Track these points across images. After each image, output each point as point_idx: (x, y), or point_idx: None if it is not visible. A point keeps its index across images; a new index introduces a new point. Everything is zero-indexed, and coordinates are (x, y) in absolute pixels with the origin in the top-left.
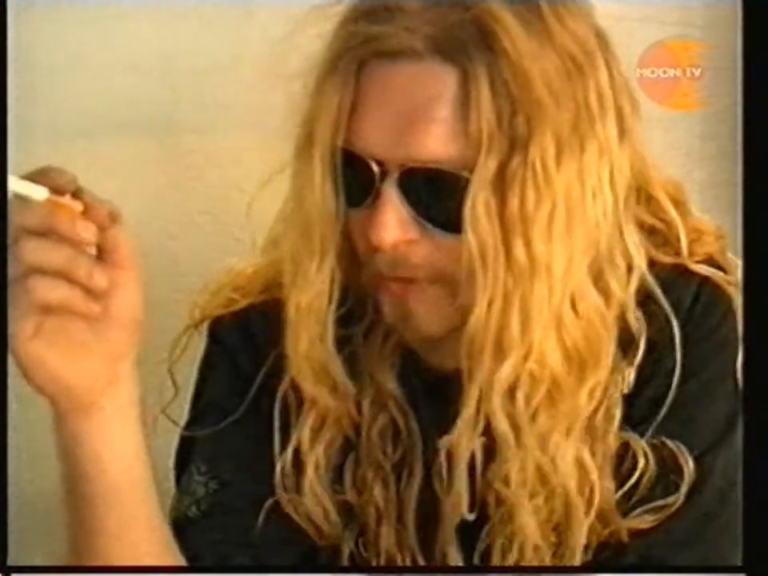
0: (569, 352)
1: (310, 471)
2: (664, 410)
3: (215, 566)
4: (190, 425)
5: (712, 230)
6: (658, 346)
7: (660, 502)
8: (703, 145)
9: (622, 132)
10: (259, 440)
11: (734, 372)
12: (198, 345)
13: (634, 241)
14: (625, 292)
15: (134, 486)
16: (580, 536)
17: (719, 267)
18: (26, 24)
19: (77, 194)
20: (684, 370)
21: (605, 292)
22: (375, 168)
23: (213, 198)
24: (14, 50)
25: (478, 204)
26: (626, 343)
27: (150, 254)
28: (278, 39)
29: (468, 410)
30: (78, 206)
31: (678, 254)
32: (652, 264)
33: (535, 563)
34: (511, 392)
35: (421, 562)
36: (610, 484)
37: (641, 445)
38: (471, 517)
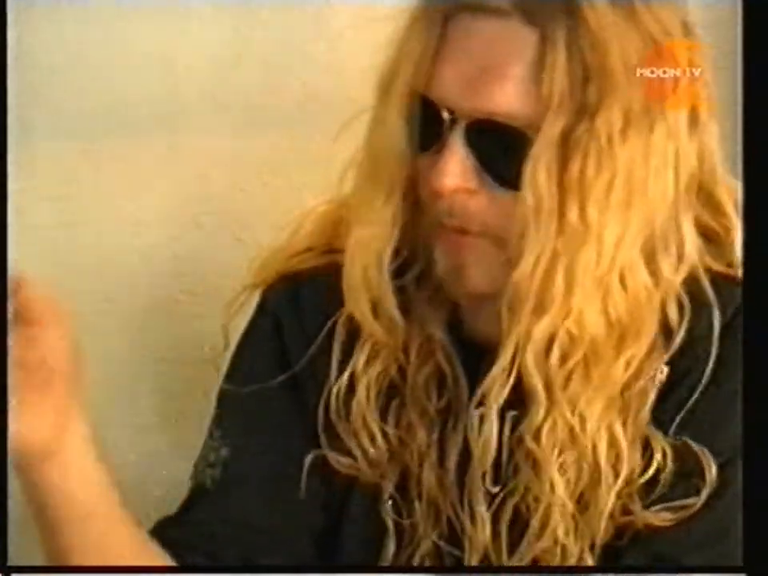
0: (611, 322)
1: (361, 394)
2: (693, 411)
3: (213, 566)
4: (224, 379)
5: None
6: (696, 345)
7: (679, 502)
8: None
9: (693, 122)
10: (285, 412)
11: None
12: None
13: (690, 231)
14: (674, 277)
15: (104, 515)
16: (605, 505)
17: None
18: (26, 24)
19: None
20: (716, 376)
21: (654, 273)
22: (446, 115)
23: (215, 199)
24: (14, 49)
25: (539, 163)
26: (667, 329)
27: (151, 255)
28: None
29: (502, 361)
30: None
31: (729, 264)
32: (704, 268)
33: (561, 526)
34: (547, 350)
35: (460, 510)
36: (636, 464)
37: (660, 441)
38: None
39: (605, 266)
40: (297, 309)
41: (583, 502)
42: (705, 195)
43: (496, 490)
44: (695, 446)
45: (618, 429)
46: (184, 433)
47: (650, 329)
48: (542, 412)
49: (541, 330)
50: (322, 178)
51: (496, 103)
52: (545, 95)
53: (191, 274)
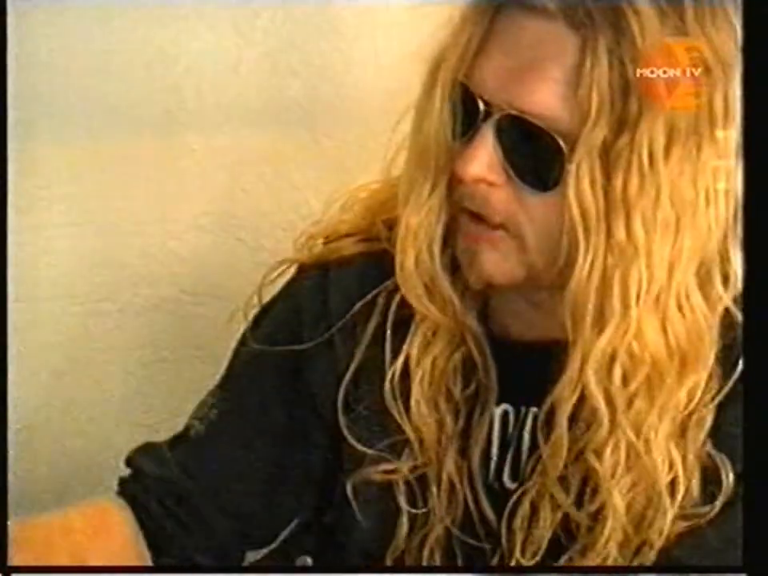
0: (671, 346)
1: (416, 378)
2: (716, 420)
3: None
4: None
5: None
6: (726, 362)
7: (694, 510)
8: None
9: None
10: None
11: None
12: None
13: (736, 254)
14: (726, 301)
15: None
16: (662, 527)
17: None
18: (26, 24)
19: None
20: (737, 389)
21: (708, 298)
22: (481, 106)
23: (215, 199)
24: (14, 49)
25: (582, 171)
26: (721, 353)
27: (153, 254)
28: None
29: (570, 374)
30: None
31: None
32: None
33: (616, 545)
34: (609, 369)
35: (484, 500)
36: (691, 490)
37: (727, 467)
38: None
39: (659, 286)
40: (323, 294)
41: (641, 524)
42: None
43: (513, 486)
44: (715, 454)
45: (676, 455)
46: None
47: (708, 353)
48: (604, 432)
49: (602, 345)
50: (323, 178)
51: (529, 101)
52: (581, 102)
53: (192, 274)
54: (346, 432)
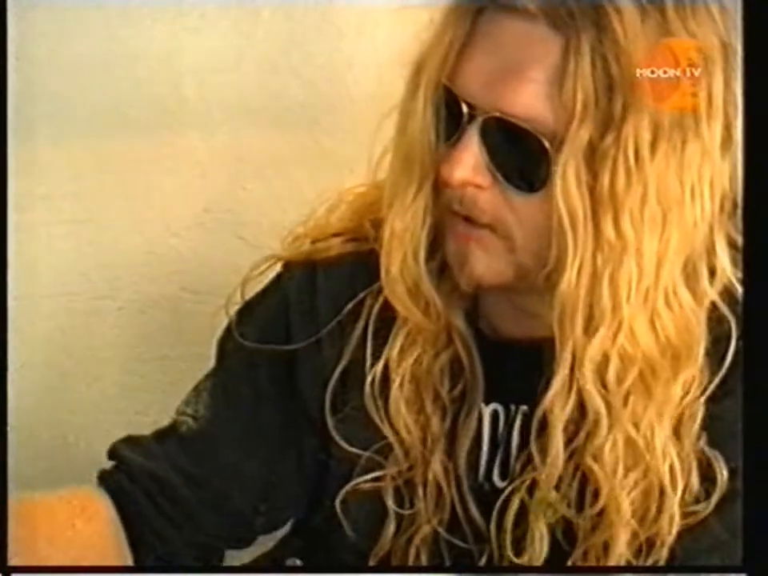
0: (662, 342)
1: (397, 381)
2: (710, 417)
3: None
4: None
5: None
6: (715, 356)
7: (689, 508)
8: None
9: (727, 142)
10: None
11: None
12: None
13: (724, 249)
14: (712, 295)
15: None
16: (669, 526)
17: None
18: (27, 23)
19: None
20: (728, 385)
21: (695, 293)
22: (465, 109)
23: (216, 197)
24: (14, 48)
25: (568, 171)
26: (711, 346)
27: (153, 252)
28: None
29: (560, 379)
30: None
31: None
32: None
33: (625, 544)
34: (603, 369)
35: (461, 501)
36: (691, 486)
37: (719, 462)
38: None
39: (648, 283)
40: (311, 292)
41: (646, 520)
42: (734, 212)
43: (503, 484)
44: (709, 452)
45: (673, 451)
46: None
47: (699, 347)
48: (603, 431)
49: (596, 345)
50: (323, 177)
51: (513, 103)
52: (566, 102)
53: (193, 272)
54: (333, 432)
